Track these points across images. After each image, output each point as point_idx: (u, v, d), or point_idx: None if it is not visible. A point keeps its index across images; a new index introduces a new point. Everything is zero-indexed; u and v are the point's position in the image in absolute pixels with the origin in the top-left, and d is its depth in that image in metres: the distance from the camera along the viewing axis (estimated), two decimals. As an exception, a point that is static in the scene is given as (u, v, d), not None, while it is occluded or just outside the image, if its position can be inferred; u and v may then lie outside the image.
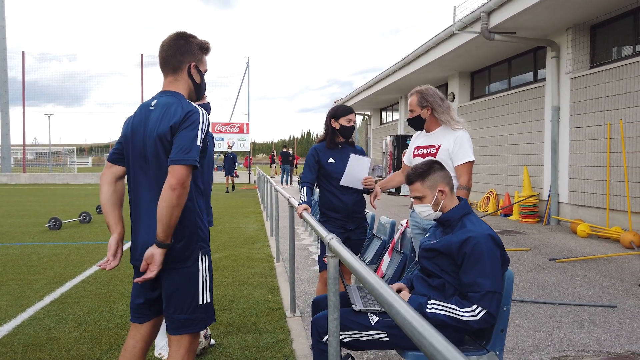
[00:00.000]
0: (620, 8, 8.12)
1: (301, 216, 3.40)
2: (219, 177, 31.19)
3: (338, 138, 3.63)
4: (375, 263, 4.20)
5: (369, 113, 24.30)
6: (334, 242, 2.07)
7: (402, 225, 3.95)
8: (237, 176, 27.73)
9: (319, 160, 3.59)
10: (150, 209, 2.17)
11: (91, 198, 17.94)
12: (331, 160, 3.58)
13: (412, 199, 3.42)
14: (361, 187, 3.49)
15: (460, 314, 2.18)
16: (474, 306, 2.17)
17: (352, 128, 3.59)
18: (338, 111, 3.59)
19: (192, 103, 2.25)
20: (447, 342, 0.96)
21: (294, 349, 3.59)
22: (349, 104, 22.23)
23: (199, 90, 2.35)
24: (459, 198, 2.47)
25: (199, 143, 2.10)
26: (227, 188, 20.00)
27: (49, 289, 5.15)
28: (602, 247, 7.26)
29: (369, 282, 1.42)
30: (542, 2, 7.87)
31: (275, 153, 35.48)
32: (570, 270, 5.77)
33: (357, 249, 3.73)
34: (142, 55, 31.76)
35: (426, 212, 2.44)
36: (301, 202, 3.48)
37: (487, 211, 11.52)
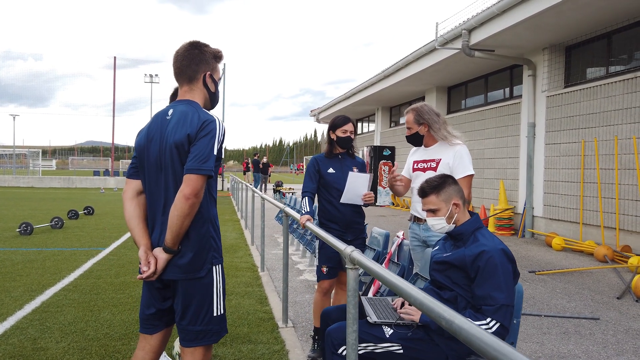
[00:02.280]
0: (595, 31, 8.48)
1: (304, 226, 3.40)
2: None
3: (336, 149, 3.66)
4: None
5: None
6: (356, 254, 2.08)
7: (398, 237, 4.00)
8: None
9: (319, 169, 3.61)
10: (162, 218, 2.16)
11: (60, 202, 17.40)
12: (331, 170, 3.61)
13: (414, 213, 3.49)
14: (361, 203, 3.52)
15: (474, 326, 2.22)
16: (488, 319, 2.22)
17: (349, 139, 3.62)
18: (335, 122, 3.63)
19: (208, 112, 2.25)
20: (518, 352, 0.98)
21: (291, 359, 3.57)
22: (326, 114, 22.35)
23: (213, 99, 2.35)
24: (470, 212, 2.53)
25: (215, 152, 2.10)
26: None
27: (29, 297, 4.97)
28: (577, 260, 7.51)
29: (415, 296, 1.44)
30: (521, 22, 8.15)
31: (249, 160, 35.23)
32: (551, 282, 5.94)
33: (356, 260, 3.74)
34: (114, 57, 31.20)
35: (439, 225, 2.48)
36: (304, 212, 3.48)
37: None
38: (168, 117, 2.19)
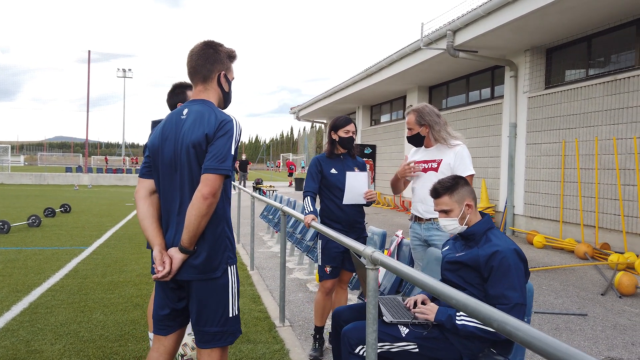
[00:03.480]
0: (576, 34, 8.71)
1: (309, 226, 3.40)
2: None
3: (338, 149, 3.67)
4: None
5: (324, 121, 24.50)
6: (378, 255, 2.10)
7: (397, 236, 4.04)
8: None
9: (322, 170, 3.62)
10: (177, 217, 2.13)
11: (34, 200, 16.94)
12: (333, 170, 3.61)
13: (415, 213, 3.53)
14: (364, 202, 3.54)
15: (489, 325, 2.27)
16: (503, 317, 2.27)
17: (351, 139, 3.64)
18: (337, 123, 3.63)
19: (224, 112, 2.23)
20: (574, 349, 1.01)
21: (293, 359, 3.57)
22: (307, 112, 22.33)
23: (227, 99, 2.34)
24: (481, 213, 2.57)
25: (233, 152, 2.09)
26: None
27: (15, 298, 4.83)
28: (559, 257, 7.71)
29: (456, 298, 1.46)
30: (506, 24, 8.30)
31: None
32: (536, 279, 6.09)
33: (357, 259, 3.76)
34: (89, 51, 30.50)
35: (452, 225, 2.52)
36: (307, 212, 3.49)
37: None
38: (183, 117, 2.16)
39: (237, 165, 25.10)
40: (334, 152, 3.64)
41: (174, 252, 2.08)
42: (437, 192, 2.54)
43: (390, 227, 11.00)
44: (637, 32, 7.72)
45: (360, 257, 2.81)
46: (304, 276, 6.23)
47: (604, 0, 7.06)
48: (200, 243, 2.09)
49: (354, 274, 3.89)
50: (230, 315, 2.16)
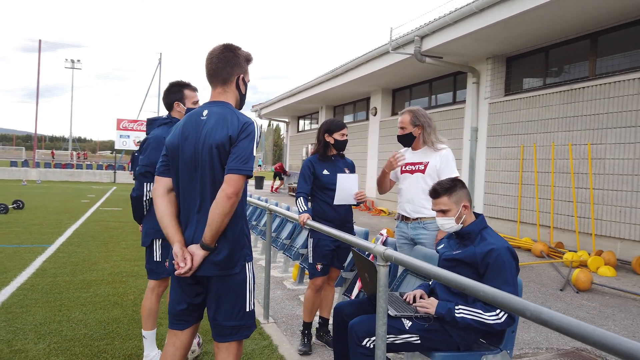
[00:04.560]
0: (534, 45, 9.21)
1: (304, 224, 3.50)
2: (127, 178, 29.45)
3: (331, 151, 3.79)
4: (354, 270, 4.40)
5: (286, 120, 24.54)
6: (390, 252, 2.24)
7: (381, 234, 4.20)
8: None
9: (314, 171, 3.72)
10: (197, 215, 2.19)
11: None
12: (325, 171, 3.73)
13: (401, 212, 3.70)
14: (354, 202, 3.68)
15: (485, 317, 2.45)
16: (497, 310, 2.46)
17: (346, 141, 3.77)
18: (332, 126, 3.75)
19: (244, 114, 2.30)
20: (619, 337, 1.17)
21: (282, 354, 3.66)
22: (270, 110, 22.29)
23: (242, 101, 2.41)
24: (475, 214, 2.76)
25: (254, 154, 2.17)
26: None
27: (-16, 298, 4.65)
28: (518, 255, 8.14)
29: (485, 291, 1.61)
30: (471, 33, 8.68)
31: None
32: (500, 276, 6.43)
33: (345, 258, 3.90)
34: (40, 41, 29.17)
35: (448, 224, 2.69)
36: (301, 211, 3.58)
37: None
38: (203, 118, 2.22)
39: None
40: (327, 154, 3.75)
41: (195, 249, 2.14)
42: (437, 192, 2.71)
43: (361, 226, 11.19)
44: (591, 45, 8.27)
45: (367, 254, 2.95)
46: (280, 274, 6.30)
47: (562, 14, 7.53)
48: (221, 241, 2.15)
49: (341, 271, 4.02)
50: (247, 309, 2.24)
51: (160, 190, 2.27)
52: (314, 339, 3.90)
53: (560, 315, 1.29)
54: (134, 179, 13.54)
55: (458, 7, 8.69)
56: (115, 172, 30.42)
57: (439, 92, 12.76)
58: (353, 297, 3.95)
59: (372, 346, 2.46)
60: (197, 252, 2.13)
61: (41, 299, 4.70)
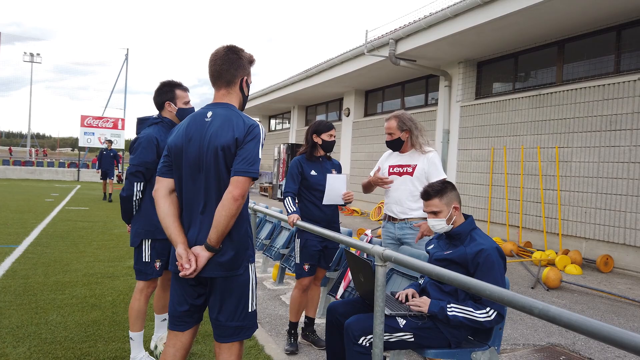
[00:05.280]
0: (504, 50, 9.51)
1: (293, 225, 3.52)
2: (91, 177, 28.64)
3: (319, 152, 3.83)
4: (338, 270, 4.45)
5: (258, 119, 24.40)
6: (389, 252, 2.30)
7: (366, 234, 4.27)
8: (120, 180, 25.02)
9: (302, 171, 3.75)
10: (200, 217, 2.19)
11: None
12: (313, 172, 3.76)
13: (388, 213, 3.77)
14: (342, 203, 3.73)
15: (476, 315, 2.55)
16: (488, 308, 2.56)
17: (334, 142, 3.82)
18: (320, 127, 3.79)
19: (249, 116, 2.32)
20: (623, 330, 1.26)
21: (269, 354, 3.68)
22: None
23: (244, 103, 2.42)
24: (464, 215, 2.86)
25: (260, 156, 2.19)
26: (105, 194, 15.51)
27: (-46, 301, 4.47)
28: (488, 255, 8.39)
29: (491, 290, 1.69)
30: (445, 38, 8.89)
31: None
32: (473, 275, 6.62)
33: (332, 257, 3.95)
34: (-1, 32, 27.99)
35: (439, 225, 2.78)
36: (290, 212, 3.61)
37: (380, 220, 12.44)
38: (207, 119, 2.22)
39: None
40: (314, 155, 3.79)
41: (199, 250, 2.14)
42: (429, 194, 2.79)
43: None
44: (558, 52, 8.60)
45: (362, 254, 2.99)
46: (259, 274, 6.30)
47: (532, 22, 7.81)
48: (226, 242, 2.16)
49: (327, 271, 4.06)
50: (250, 310, 2.26)
51: (162, 191, 2.26)
52: (299, 338, 3.94)
53: (568, 313, 1.37)
54: (100, 179, 13.25)
55: (433, 12, 8.88)
56: (79, 171, 29.53)
57: (411, 94, 12.99)
58: (338, 296, 4.00)
59: (368, 344, 2.52)
60: (202, 254, 2.13)
61: (15, 302, 4.56)
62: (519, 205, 8.81)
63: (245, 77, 2.33)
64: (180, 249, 2.15)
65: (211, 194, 2.17)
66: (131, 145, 3.12)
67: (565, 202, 7.98)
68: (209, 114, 2.23)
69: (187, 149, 2.20)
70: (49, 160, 45.49)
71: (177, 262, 2.17)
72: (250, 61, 2.36)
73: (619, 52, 7.60)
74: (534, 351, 3.99)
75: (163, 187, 2.26)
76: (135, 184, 3.05)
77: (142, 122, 3.22)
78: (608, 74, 7.66)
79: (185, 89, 3.26)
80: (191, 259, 2.12)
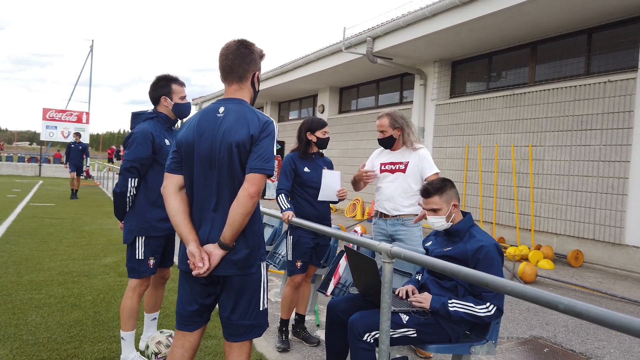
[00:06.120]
0: (478, 51, 9.70)
1: (288, 222, 3.50)
2: (54, 172, 27.70)
3: (312, 149, 3.81)
4: (326, 266, 4.45)
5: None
6: (397, 249, 2.31)
7: (356, 232, 4.29)
8: (89, 176, 24.18)
9: (296, 168, 3.73)
10: (212, 214, 2.15)
11: None
12: (306, 169, 3.75)
13: (380, 209, 3.80)
14: (336, 199, 3.73)
15: (476, 310, 2.60)
16: (488, 304, 2.61)
17: (328, 139, 3.82)
18: (314, 125, 3.78)
19: (262, 112, 2.29)
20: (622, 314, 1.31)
21: (261, 352, 3.66)
22: (212, 102, 21.76)
23: (255, 98, 2.39)
24: (462, 212, 2.90)
25: (275, 153, 2.17)
26: (73, 190, 14.42)
27: None
28: (463, 251, 8.57)
29: (502, 284, 1.72)
30: (422, 37, 9.00)
31: (122, 147, 32.59)
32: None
33: (323, 254, 3.94)
34: (-46, 19, 26.60)
35: (439, 223, 2.82)
36: (284, 209, 3.58)
37: (354, 216, 12.52)
38: (219, 115, 2.17)
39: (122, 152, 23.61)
40: (308, 152, 3.78)
41: (213, 248, 2.10)
42: (428, 192, 2.82)
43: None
44: (531, 53, 8.84)
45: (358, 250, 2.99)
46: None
47: (507, 23, 8.00)
48: (240, 240, 2.13)
49: (317, 268, 4.06)
50: (261, 308, 2.23)
51: (171, 187, 2.20)
52: (290, 335, 3.92)
53: (596, 308, 1.42)
54: (70, 172, 12.82)
55: (411, 11, 8.97)
56: (40, 165, 28.45)
57: (386, 92, 13.10)
58: (328, 293, 4.00)
59: (372, 340, 2.53)
60: (215, 252, 2.09)
61: (-11, 302, 4.37)
62: (492, 202, 9.03)
63: (257, 72, 2.29)
64: (192, 247, 2.10)
65: (224, 191, 2.13)
66: (125, 140, 3.03)
67: (537, 199, 8.23)
68: (221, 109, 2.19)
69: (199, 145, 2.15)
70: (6, 154, 43.66)
71: (188, 261, 2.12)
72: (261, 56, 2.32)
73: (589, 54, 7.87)
74: (518, 344, 4.10)
75: (172, 183, 2.20)
76: (130, 179, 2.96)
77: (136, 117, 3.13)
78: (579, 76, 7.93)
79: (182, 84, 3.19)
80: (204, 257, 2.08)
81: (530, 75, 8.85)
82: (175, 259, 2.70)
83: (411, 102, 11.52)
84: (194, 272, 2.08)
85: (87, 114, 28.55)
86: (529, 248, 7.82)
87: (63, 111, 27.95)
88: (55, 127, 28.01)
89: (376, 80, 13.15)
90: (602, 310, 1.40)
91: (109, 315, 4.19)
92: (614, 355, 3.88)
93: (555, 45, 8.47)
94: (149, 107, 3.27)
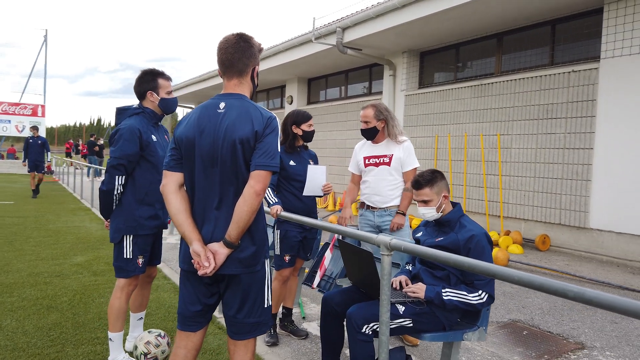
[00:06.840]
0: (446, 42, 9.86)
1: (276, 216, 3.48)
2: (8, 168, 26.52)
3: (298, 142, 3.80)
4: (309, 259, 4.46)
5: (193, 106, 23.65)
6: (396, 241, 2.34)
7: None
8: (51, 172, 23.21)
9: (281, 162, 3.71)
10: (216, 212, 2.11)
11: None
12: (292, 162, 3.73)
13: (366, 202, 3.83)
14: (321, 194, 3.73)
15: (469, 298, 2.67)
16: (480, 291, 2.68)
17: (313, 132, 3.81)
18: (299, 118, 3.76)
19: (264, 108, 2.26)
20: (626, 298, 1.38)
21: (250, 347, 3.64)
22: (177, 94, 21.30)
23: (254, 93, 2.35)
24: (452, 203, 2.96)
25: (279, 149, 2.14)
26: (34, 189, 13.61)
27: None
28: (436, 238, 8.76)
29: (509, 274, 1.77)
30: (392, 28, 9.06)
31: (80, 142, 31.53)
32: (427, 259, 6.90)
33: (311, 247, 3.95)
34: None
35: (430, 213, 2.87)
36: (272, 203, 3.56)
37: (326, 207, 12.57)
38: (220, 111, 2.12)
39: (83, 148, 22.89)
40: (294, 145, 3.76)
41: (218, 247, 2.06)
42: (420, 184, 2.87)
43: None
44: (497, 44, 9.05)
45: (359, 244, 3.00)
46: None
47: (475, 15, 8.15)
48: (246, 238, 2.10)
49: (304, 261, 4.06)
50: (266, 305, 2.22)
51: (171, 186, 2.14)
52: (278, 329, 3.92)
53: (604, 294, 1.48)
54: (29, 171, 12.35)
55: (381, 2, 9.00)
56: (-7, 162, 27.19)
57: (354, 82, 13.14)
58: (314, 286, 4.01)
59: (370, 332, 2.56)
60: (220, 250, 2.06)
61: (-41, 308, 4.17)
62: (462, 190, 9.24)
63: (256, 67, 2.25)
64: (196, 247, 2.06)
65: (227, 189, 2.09)
66: (111, 137, 2.92)
67: (506, 186, 8.48)
68: (222, 104, 2.14)
69: (200, 142, 2.10)
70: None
71: (193, 261, 2.08)
72: (260, 49, 2.28)
73: (553, 45, 8.13)
74: (498, 328, 4.24)
75: (172, 181, 2.15)
76: (117, 177, 2.87)
77: (122, 112, 3.02)
78: (544, 66, 8.18)
79: (169, 78, 3.10)
80: (209, 256, 2.04)
81: (496, 66, 9.06)
82: (163, 257, 2.65)
83: (380, 92, 11.61)
84: (200, 272, 2.04)
85: (43, 106, 27.47)
86: (499, 234, 8.07)
87: (17, 104, 26.79)
88: (9, 121, 26.84)
89: (345, 70, 13.17)
90: (611, 297, 1.46)
91: (89, 317, 4.07)
92: (588, 335, 4.07)
93: (520, 36, 8.69)
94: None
